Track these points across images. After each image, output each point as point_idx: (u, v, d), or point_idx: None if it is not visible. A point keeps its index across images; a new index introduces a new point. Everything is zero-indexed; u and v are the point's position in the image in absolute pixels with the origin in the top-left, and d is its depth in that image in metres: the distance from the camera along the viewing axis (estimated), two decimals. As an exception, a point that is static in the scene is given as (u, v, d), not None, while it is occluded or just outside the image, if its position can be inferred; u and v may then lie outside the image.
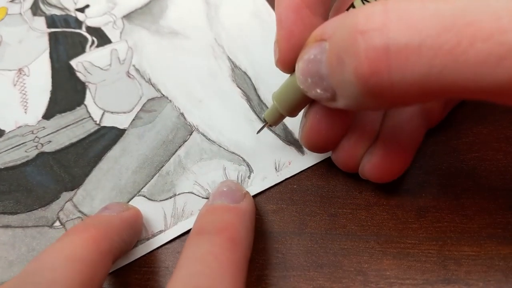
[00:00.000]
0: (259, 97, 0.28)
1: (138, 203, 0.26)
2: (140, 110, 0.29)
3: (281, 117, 0.23)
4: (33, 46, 0.31)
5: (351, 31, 0.15)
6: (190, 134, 0.28)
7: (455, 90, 0.14)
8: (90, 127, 0.28)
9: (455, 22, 0.13)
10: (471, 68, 0.13)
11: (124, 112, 0.29)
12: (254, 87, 0.29)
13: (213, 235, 0.20)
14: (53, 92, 0.29)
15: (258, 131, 0.25)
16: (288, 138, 0.27)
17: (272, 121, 0.24)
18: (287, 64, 0.20)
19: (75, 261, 0.19)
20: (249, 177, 0.26)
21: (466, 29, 0.12)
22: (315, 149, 0.23)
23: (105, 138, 0.28)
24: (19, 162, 0.27)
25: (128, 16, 0.32)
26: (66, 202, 0.26)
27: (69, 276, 0.18)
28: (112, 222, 0.23)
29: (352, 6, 0.18)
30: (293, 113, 0.23)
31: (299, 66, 0.19)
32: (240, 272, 0.19)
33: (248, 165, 0.27)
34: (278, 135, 0.27)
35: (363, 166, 0.23)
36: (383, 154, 0.22)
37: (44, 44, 0.31)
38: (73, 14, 0.32)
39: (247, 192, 0.24)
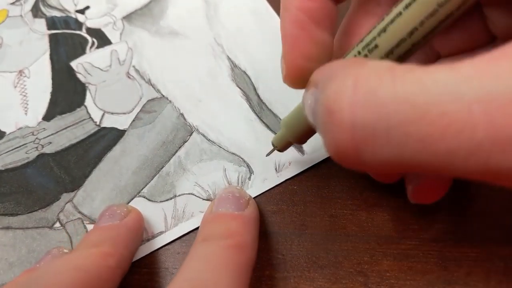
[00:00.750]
0: (258, 96, 0.28)
1: (138, 204, 0.26)
2: (140, 110, 0.29)
3: (290, 143, 0.24)
4: (34, 47, 0.31)
5: (324, 107, 0.15)
6: (190, 135, 0.28)
7: (428, 172, 0.13)
8: (90, 128, 0.28)
9: (428, 111, 0.12)
10: (441, 158, 0.12)
11: (124, 113, 0.29)
12: (253, 86, 0.29)
13: (218, 240, 0.20)
14: (53, 94, 0.29)
15: (267, 155, 0.25)
16: (288, 139, 0.27)
17: (281, 147, 0.24)
18: (294, 80, 0.20)
19: (80, 271, 0.19)
20: (249, 178, 0.26)
21: (439, 120, 0.12)
22: (382, 178, 0.23)
23: (105, 139, 0.28)
24: (19, 164, 0.27)
25: (128, 17, 0.32)
26: (66, 203, 0.26)
27: (71, 283, 0.18)
28: (120, 235, 0.23)
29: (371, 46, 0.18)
30: (301, 141, 0.23)
31: (304, 104, 0.18)
32: (244, 275, 0.19)
33: (248, 166, 0.26)
34: (278, 136, 0.27)
35: (412, 190, 0.22)
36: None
37: (44, 45, 0.31)
38: (73, 16, 0.32)
39: (251, 198, 0.24)
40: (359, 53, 0.19)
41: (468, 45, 0.21)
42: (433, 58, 0.22)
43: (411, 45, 0.17)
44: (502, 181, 0.12)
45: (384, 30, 0.17)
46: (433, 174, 0.14)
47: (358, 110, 0.13)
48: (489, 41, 0.20)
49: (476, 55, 0.12)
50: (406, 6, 0.16)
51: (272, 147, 0.25)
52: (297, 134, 0.22)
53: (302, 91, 0.25)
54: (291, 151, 0.26)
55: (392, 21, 0.17)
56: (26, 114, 0.29)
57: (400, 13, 0.17)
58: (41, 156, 0.28)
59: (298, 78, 0.20)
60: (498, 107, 0.11)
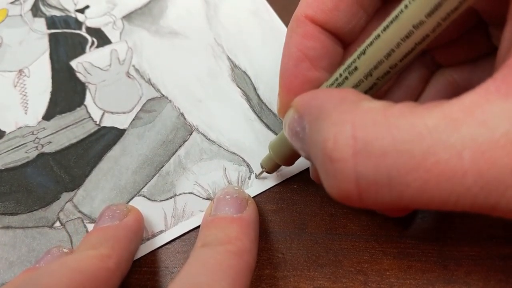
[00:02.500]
0: (258, 96, 0.28)
1: (138, 203, 0.26)
2: (140, 110, 0.29)
3: (278, 165, 0.24)
4: (34, 47, 0.31)
5: (324, 154, 0.15)
6: (190, 134, 0.28)
7: (428, 209, 0.15)
8: (90, 128, 0.28)
9: (424, 160, 0.13)
10: (437, 199, 0.13)
11: (124, 112, 0.29)
12: (253, 86, 0.29)
13: (217, 246, 0.20)
14: (53, 93, 0.29)
15: (257, 177, 0.26)
16: (288, 138, 0.27)
17: (269, 169, 0.25)
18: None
19: (78, 273, 0.19)
20: (249, 177, 0.26)
21: (433, 168, 0.13)
22: (389, 212, 0.23)
23: (105, 139, 0.28)
24: (19, 163, 0.27)
25: (128, 17, 0.32)
26: (66, 202, 0.26)
27: (69, 284, 0.18)
28: (119, 236, 0.22)
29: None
30: (288, 163, 0.23)
31: (285, 128, 0.19)
32: (243, 280, 0.19)
33: (248, 165, 0.27)
34: (278, 135, 0.27)
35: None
36: None
37: (44, 45, 0.31)
38: (73, 15, 0.32)
39: (250, 198, 0.24)
40: (340, 75, 0.19)
41: (469, 56, 0.21)
42: (433, 68, 0.22)
43: (388, 67, 0.17)
44: (491, 214, 0.13)
45: (363, 52, 0.18)
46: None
47: (361, 161, 0.14)
48: (490, 51, 0.20)
49: (463, 95, 0.13)
50: (384, 29, 0.17)
51: (261, 169, 0.25)
52: (283, 158, 0.23)
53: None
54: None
55: (371, 43, 0.17)
56: (26, 113, 0.29)
57: (378, 36, 0.17)
58: (41, 155, 0.28)
59: None
60: (483, 154, 0.12)
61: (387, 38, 0.16)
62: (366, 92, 0.18)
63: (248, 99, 0.28)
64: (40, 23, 0.32)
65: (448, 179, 0.13)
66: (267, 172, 0.25)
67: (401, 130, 0.13)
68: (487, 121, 0.12)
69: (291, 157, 0.23)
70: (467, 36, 0.20)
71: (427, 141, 0.13)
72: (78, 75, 0.30)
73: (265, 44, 0.30)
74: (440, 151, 0.13)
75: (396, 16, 0.16)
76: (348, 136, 0.14)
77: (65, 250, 0.24)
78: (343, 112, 0.15)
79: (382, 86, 0.18)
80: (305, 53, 0.20)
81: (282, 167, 0.25)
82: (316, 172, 0.23)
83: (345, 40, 0.21)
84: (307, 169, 0.26)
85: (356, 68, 0.18)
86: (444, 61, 0.22)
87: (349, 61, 0.18)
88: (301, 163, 0.26)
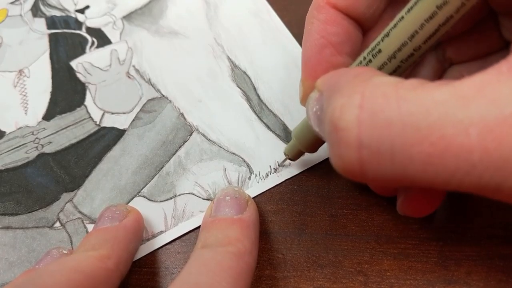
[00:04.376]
0: (258, 96, 0.28)
1: (138, 203, 0.26)
2: (140, 110, 0.29)
3: (301, 152, 0.24)
4: (33, 47, 0.31)
5: (330, 122, 0.15)
6: (190, 135, 0.28)
7: (430, 187, 0.14)
8: (90, 128, 0.28)
9: (429, 134, 0.13)
10: (441, 177, 0.13)
11: (124, 113, 0.29)
12: (253, 86, 0.29)
13: (217, 248, 0.20)
14: (53, 93, 0.29)
15: (280, 164, 0.26)
16: (288, 139, 0.27)
17: (293, 156, 0.25)
18: None
19: (78, 273, 0.19)
20: (249, 178, 0.26)
21: (439, 143, 0.13)
22: (382, 191, 0.23)
23: (105, 139, 0.28)
24: (19, 164, 0.27)
25: (128, 17, 0.32)
26: (66, 203, 0.26)
27: (68, 284, 0.18)
28: (118, 237, 0.22)
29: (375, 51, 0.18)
30: (312, 150, 0.23)
31: (307, 111, 0.19)
32: (243, 281, 0.19)
33: (248, 166, 0.26)
34: (278, 136, 0.27)
35: (401, 202, 0.22)
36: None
37: (44, 45, 0.31)
38: (73, 15, 0.32)
39: (250, 198, 0.24)
40: (364, 58, 0.19)
41: (481, 52, 0.21)
42: (446, 65, 0.22)
43: (412, 49, 0.17)
44: (495, 196, 0.13)
45: (387, 35, 0.18)
46: (432, 189, 0.14)
47: (365, 130, 0.14)
48: (502, 47, 0.20)
49: (474, 74, 0.13)
50: (408, 10, 0.16)
51: (284, 157, 0.25)
52: (307, 144, 0.23)
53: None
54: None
55: (394, 25, 0.17)
56: (26, 113, 0.29)
57: (402, 18, 0.17)
58: (41, 155, 0.28)
59: None
60: (491, 132, 0.12)
61: (411, 19, 0.16)
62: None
63: (248, 99, 0.28)
64: (40, 23, 0.32)
65: (453, 155, 0.13)
66: (290, 160, 0.25)
67: (409, 103, 0.13)
68: (496, 100, 0.12)
69: (314, 143, 0.23)
70: (478, 29, 0.20)
71: (434, 115, 0.13)
72: (78, 75, 0.30)
73: (265, 44, 0.30)
74: (446, 126, 0.13)
75: None
76: (356, 105, 0.14)
77: (64, 251, 0.24)
78: (355, 84, 0.15)
79: (405, 69, 0.18)
80: (328, 39, 0.20)
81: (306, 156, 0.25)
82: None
83: (365, 26, 0.21)
84: (307, 169, 0.26)
85: (380, 51, 0.18)
86: (456, 57, 0.22)
87: (373, 44, 0.18)
88: (301, 164, 0.26)
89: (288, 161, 0.26)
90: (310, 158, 0.26)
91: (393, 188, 0.23)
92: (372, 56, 0.18)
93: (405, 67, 0.18)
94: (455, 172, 0.13)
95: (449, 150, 0.13)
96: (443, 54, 0.22)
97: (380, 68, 0.18)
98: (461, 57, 0.22)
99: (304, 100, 0.21)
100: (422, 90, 0.13)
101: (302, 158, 0.26)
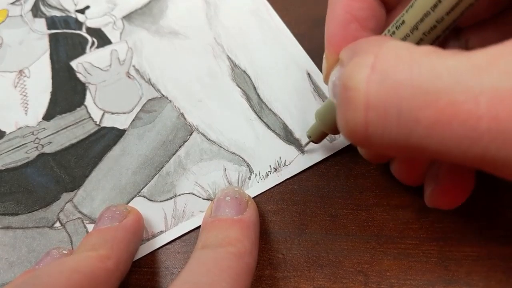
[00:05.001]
0: (258, 96, 0.28)
1: (138, 203, 0.26)
2: (140, 110, 0.29)
3: (325, 134, 0.24)
4: (34, 47, 0.31)
5: (341, 82, 0.15)
6: (190, 135, 0.28)
7: (434, 157, 0.14)
8: (90, 128, 0.28)
9: (438, 99, 0.13)
10: (446, 144, 0.13)
11: (124, 113, 0.29)
12: (253, 86, 0.29)
13: (217, 248, 0.20)
14: (53, 93, 0.29)
15: (303, 147, 0.26)
16: (288, 138, 0.27)
17: (316, 138, 0.24)
18: None
19: (78, 273, 0.19)
20: (249, 178, 0.26)
21: (447, 108, 0.13)
22: (372, 159, 0.23)
23: (105, 139, 0.28)
24: (19, 164, 0.27)
25: (128, 17, 0.32)
26: (66, 203, 0.26)
27: (68, 285, 0.18)
28: (118, 237, 0.23)
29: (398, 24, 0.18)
30: (335, 131, 0.23)
31: (329, 84, 0.19)
32: (243, 281, 0.19)
33: (248, 165, 0.26)
34: (278, 135, 0.27)
35: (430, 194, 0.22)
36: (448, 176, 0.21)
37: (44, 45, 0.31)
38: (73, 15, 0.32)
39: (250, 198, 0.24)
40: (388, 31, 0.19)
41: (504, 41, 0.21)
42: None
43: (435, 20, 0.17)
44: (498, 171, 0.13)
45: (411, 5, 0.17)
46: (434, 159, 0.14)
47: (373, 90, 0.14)
48: None
49: (490, 46, 0.13)
50: None
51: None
52: (329, 125, 0.22)
53: (302, 90, 0.25)
54: (292, 150, 0.26)
55: None
56: (26, 113, 0.29)
57: None
58: (41, 155, 0.28)
59: None
60: (502, 101, 0.12)
61: None
62: None
63: (248, 99, 0.28)
64: (40, 23, 0.32)
65: (460, 122, 0.12)
66: (314, 142, 0.25)
67: (421, 67, 0.13)
68: (510, 72, 0.12)
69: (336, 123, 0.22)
70: (502, 17, 0.20)
71: (445, 81, 0.13)
72: (78, 75, 0.30)
73: (265, 44, 0.30)
74: (456, 93, 0.12)
75: None
76: (367, 65, 0.14)
77: (64, 251, 0.24)
78: (370, 46, 0.15)
79: (428, 43, 0.18)
80: (353, 14, 0.20)
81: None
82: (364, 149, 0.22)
83: (388, 4, 0.21)
84: (307, 169, 0.26)
85: (403, 22, 0.18)
86: (478, 46, 0.22)
87: (398, 16, 0.18)
88: (300, 164, 0.26)
89: (311, 144, 0.26)
90: (310, 158, 0.26)
91: (387, 156, 0.22)
92: (396, 28, 0.18)
93: (427, 40, 0.18)
94: (460, 140, 0.13)
95: (456, 117, 0.12)
96: (466, 43, 0.22)
97: (403, 40, 0.18)
98: (483, 46, 0.22)
99: (327, 77, 0.21)
100: (436, 56, 0.13)
101: (302, 158, 0.26)
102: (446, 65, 0.13)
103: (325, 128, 0.23)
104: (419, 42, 0.18)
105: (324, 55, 0.21)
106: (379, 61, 0.14)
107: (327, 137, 0.26)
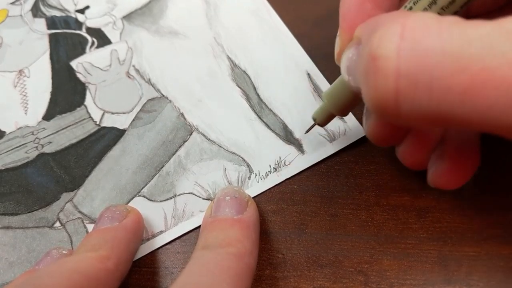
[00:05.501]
0: (258, 96, 0.28)
1: (138, 203, 0.26)
2: (140, 110, 0.29)
3: (332, 116, 0.23)
4: (34, 47, 0.31)
5: (368, 54, 0.15)
6: (190, 134, 0.28)
7: (464, 125, 0.14)
8: (90, 128, 0.28)
9: (470, 65, 0.12)
10: (480, 110, 0.13)
11: (124, 113, 0.29)
12: (253, 86, 0.29)
13: (217, 248, 0.20)
14: (53, 93, 0.29)
15: (307, 131, 0.25)
16: (288, 138, 0.27)
17: (322, 121, 0.24)
18: None
19: (78, 274, 0.19)
20: (249, 177, 0.26)
21: (479, 74, 0.12)
22: (380, 142, 0.22)
23: (105, 139, 0.28)
24: (19, 163, 0.27)
25: (128, 17, 0.32)
26: (66, 202, 0.26)
27: (68, 285, 0.18)
28: (118, 237, 0.23)
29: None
30: (344, 112, 0.22)
31: (342, 61, 0.18)
32: (243, 281, 0.19)
33: (248, 165, 0.26)
34: (278, 135, 0.27)
35: (434, 172, 0.21)
36: (454, 155, 0.21)
37: (44, 45, 0.31)
38: (73, 15, 0.32)
39: (250, 198, 0.24)
40: (405, 7, 0.19)
41: None
42: None
43: None
44: None
45: None
46: (466, 128, 0.14)
47: (404, 58, 0.14)
48: None
49: None
50: None
51: (311, 123, 0.24)
52: (340, 105, 0.22)
53: (302, 90, 0.25)
54: (291, 150, 0.26)
55: None
56: (26, 113, 0.29)
57: None
58: (41, 155, 0.28)
59: None
60: None
61: None
62: None
63: (248, 99, 0.28)
64: (40, 23, 0.32)
65: (493, 87, 0.12)
66: (319, 125, 0.24)
67: (451, 34, 0.13)
68: None
69: (346, 104, 0.22)
70: (506, 9, 0.20)
71: (477, 46, 0.13)
72: (78, 75, 0.30)
73: (265, 44, 0.30)
74: (489, 58, 0.12)
75: None
76: (396, 33, 0.14)
77: (64, 251, 0.24)
78: (395, 17, 0.15)
79: None
80: None
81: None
82: (373, 124, 0.21)
83: None
84: (307, 169, 0.26)
85: None
86: None
87: None
88: (300, 164, 0.26)
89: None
90: (310, 158, 0.26)
91: (394, 139, 0.22)
92: (413, 3, 0.18)
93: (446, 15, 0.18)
94: (493, 106, 0.12)
95: (489, 82, 0.12)
96: None
97: None
98: None
99: (340, 55, 0.20)
100: (465, 24, 0.13)
101: (302, 157, 0.26)
102: (477, 32, 0.13)
103: (333, 109, 0.22)
104: None
105: (337, 34, 0.21)
106: (408, 30, 0.14)
107: (327, 138, 0.26)
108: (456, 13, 0.17)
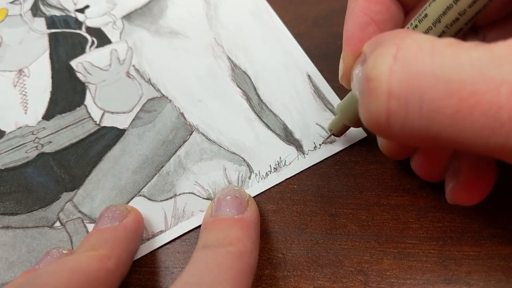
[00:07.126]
0: (259, 96, 0.28)
1: (138, 203, 0.26)
2: (140, 110, 0.29)
3: (346, 127, 0.24)
4: (33, 47, 0.31)
5: (364, 73, 0.15)
6: (190, 134, 0.28)
7: (455, 147, 0.14)
8: (90, 128, 0.28)
9: (460, 89, 0.13)
10: (467, 134, 0.13)
11: (124, 112, 0.29)
12: (254, 86, 0.29)
13: (218, 248, 0.20)
14: (53, 93, 0.29)
15: (323, 142, 0.26)
16: (288, 138, 0.27)
17: (338, 132, 0.25)
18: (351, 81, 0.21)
19: (78, 273, 0.19)
20: (249, 177, 0.26)
21: (469, 98, 0.13)
22: (392, 155, 0.23)
23: (105, 138, 0.28)
24: (19, 163, 0.27)
25: (128, 17, 0.32)
26: (66, 202, 0.26)
27: (68, 285, 0.18)
28: (118, 237, 0.23)
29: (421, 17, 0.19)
30: (357, 124, 0.23)
31: (352, 78, 0.19)
32: (244, 281, 0.19)
33: (248, 165, 0.26)
34: (278, 135, 0.27)
35: (451, 190, 0.21)
36: (470, 171, 0.21)
37: (44, 45, 0.31)
38: (73, 15, 0.32)
39: (250, 198, 0.24)
40: (411, 24, 0.19)
41: None
42: None
43: (457, 13, 0.17)
44: None
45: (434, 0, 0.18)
46: (455, 149, 0.14)
47: (395, 80, 0.14)
48: None
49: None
50: None
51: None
52: (352, 118, 0.22)
53: (302, 90, 0.25)
54: (292, 150, 0.26)
55: None
56: (26, 113, 0.29)
57: None
58: (41, 155, 0.28)
59: None
60: None
61: None
62: None
63: (248, 99, 0.28)
64: (40, 22, 0.32)
65: (482, 111, 0.12)
66: (335, 136, 0.25)
67: (443, 57, 0.13)
68: None
69: (358, 118, 0.22)
70: None
71: (467, 71, 0.13)
72: (78, 75, 0.30)
73: (265, 44, 0.30)
74: (478, 83, 0.13)
75: None
76: (390, 55, 0.14)
77: (64, 251, 0.24)
78: (393, 38, 0.15)
79: (450, 36, 0.18)
80: (371, 17, 0.20)
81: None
82: (384, 144, 0.22)
83: (407, 5, 0.21)
84: (307, 169, 0.26)
85: (426, 16, 0.18)
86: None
87: (420, 11, 0.18)
88: (300, 164, 0.26)
89: (332, 137, 0.26)
90: (310, 158, 0.26)
91: (406, 151, 0.22)
92: (418, 21, 0.18)
93: (449, 34, 0.18)
94: (481, 130, 0.13)
95: (478, 106, 0.12)
96: (483, 40, 0.22)
97: (425, 33, 0.18)
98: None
99: (344, 76, 0.21)
100: (458, 47, 0.13)
101: (302, 157, 0.26)
102: (468, 56, 0.13)
103: (346, 121, 0.23)
104: (441, 35, 0.18)
105: (341, 56, 0.21)
106: (402, 51, 0.14)
107: (327, 138, 0.26)
108: (461, 30, 0.18)
